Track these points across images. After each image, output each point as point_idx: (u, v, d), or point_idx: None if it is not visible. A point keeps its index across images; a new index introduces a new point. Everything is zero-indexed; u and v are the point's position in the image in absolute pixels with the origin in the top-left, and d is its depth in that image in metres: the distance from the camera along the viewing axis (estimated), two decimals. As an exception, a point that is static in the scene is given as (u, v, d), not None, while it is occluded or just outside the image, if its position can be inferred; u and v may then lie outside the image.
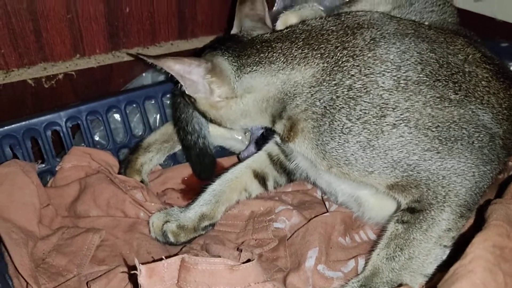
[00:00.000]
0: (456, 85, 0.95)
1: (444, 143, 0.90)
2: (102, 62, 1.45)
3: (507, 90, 1.01)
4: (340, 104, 0.94)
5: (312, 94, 0.98)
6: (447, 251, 0.93)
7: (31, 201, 1.12)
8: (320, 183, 1.18)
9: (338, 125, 0.94)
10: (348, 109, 0.93)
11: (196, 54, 1.23)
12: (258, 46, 1.04)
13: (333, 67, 0.97)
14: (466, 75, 0.97)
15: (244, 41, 1.07)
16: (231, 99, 1.06)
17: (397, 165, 0.92)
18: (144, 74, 1.50)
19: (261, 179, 1.25)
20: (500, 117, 0.97)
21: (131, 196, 1.21)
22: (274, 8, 1.51)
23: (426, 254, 0.92)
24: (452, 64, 0.97)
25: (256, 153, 1.27)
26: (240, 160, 1.33)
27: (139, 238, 1.14)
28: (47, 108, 1.32)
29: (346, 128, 0.93)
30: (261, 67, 1.02)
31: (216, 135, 1.39)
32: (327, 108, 0.95)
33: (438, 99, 0.92)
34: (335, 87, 0.96)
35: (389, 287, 0.91)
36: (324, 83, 0.97)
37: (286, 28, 1.08)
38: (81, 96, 1.44)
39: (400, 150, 0.91)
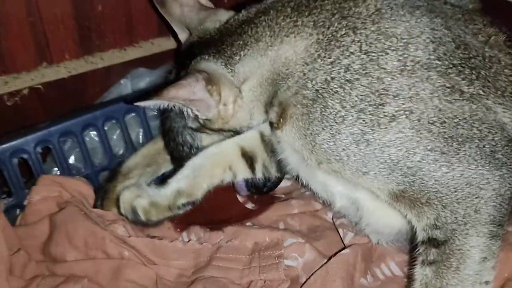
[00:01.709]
0: (473, 72, 0.81)
1: (450, 143, 0.77)
2: (74, 70, 1.26)
3: None
4: (334, 88, 0.82)
5: (304, 74, 0.86)
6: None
7: (-4, 252, 0.95)
8: (314, 186, 1.04)
9: (330, 112, 0.82)
10: (343, 94, 0.81)
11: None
12: (239, 30, 0.93)
13: (330, 40, 0.85)
14: (486, 60, 0.84)
15: (214, 35, 0.96)
16: (237, 100, 0.95)
17: (395, 166, 0.79)
18: (122, 82, 1.32)
19: (248, 159, 1.10)
20: None
21: (112, 232, 1.05)
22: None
23: None
24: (470, 46, 0.83)
25: (246, 189, 1.17)
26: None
27: (128, 287, 0.98)
28: (11, 130, 1.14)
29: (339, 117, 0.81)
30: (248, 49, 0.92)
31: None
32: (320, 91, 0.83)
33: (449, 89, 0.79)
34: (330, 67, 0.83)
35: None
36: (319, 60, 0.84)
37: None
38: (51, 113, 1.24)
39: (399, 148, 0.79)
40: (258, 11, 0.93)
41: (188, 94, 0.91)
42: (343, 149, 0.82)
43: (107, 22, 1.29)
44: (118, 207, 1.14)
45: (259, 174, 1.12)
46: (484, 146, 0.79)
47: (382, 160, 0.80)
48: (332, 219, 1.15)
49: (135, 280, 1.00)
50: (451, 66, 0.80)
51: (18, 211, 1.15)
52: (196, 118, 1.00)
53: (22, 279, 1.01)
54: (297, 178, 1.07)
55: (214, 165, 1.07)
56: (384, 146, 0.79)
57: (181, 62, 1.01)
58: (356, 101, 0.80)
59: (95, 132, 1.21)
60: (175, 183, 1.04)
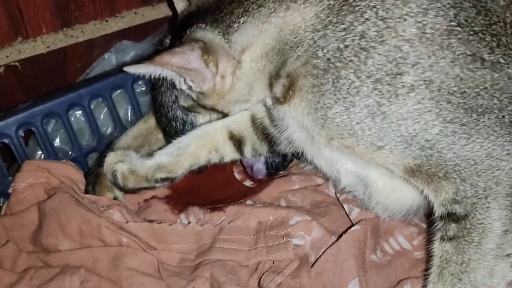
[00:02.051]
0: (494, 39, 0.77)
1: (470, 114, 0.75)
2: (53, 45, 1.16)
3: None
4: (348, 56, 0.77)
5: (314, 41, 0.80)
6: None
7: (-18, 246, 0.89)
8: (319, 163, 1.01)
9: (343, 83, 0.78)
10: (357, 63, 0.77)
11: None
12: None
13: (342, 5, 0.79)
14: (508, 26, 0.80)
15: (212, 5, 0.90)
16: (235, 72, 0.89)
17: (413, 140, 0.76)
18: (106, 56, 1.23)
19: (236, 142, 1.08)
20: None
21: (107, 218, 1.00)
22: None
23: (490, 275, 0.77)
24: (492, 11, 0.79)
25: (266, 172, 1.13)
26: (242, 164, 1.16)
27: (128, 276, 0.94)
28: (-14, 112, 1.05)
29: (354, 88, 0.77)
30: (247, 16, 0.85)
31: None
32: (331, 60, 0.78)
33: (470, 57, 0.75)
34: (343, 33, 0.78)
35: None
36: (330, 26, 0.79)
37: None
38: (29, 92, 1.16)
39: (417, 120, 0.75)
40: None
41: (182, 62, 0.85)
42: (357, 123, 0.78)
43: (86, -10, 1.19)
44: (111, 191, 1.09)
45: (248, 156, 1.11)
46: (503, 117, 0.76)
47: (399, 134, 0.76)
48: (336, 195, 1.11)
49: (136, 267, 0.95)
50: (472, 33, 0.76)
51: (2, 200, 1.08)
52: (189, 91, 0.94)
53: (13, 272, 0.95)
54: (300, 154, 1.03)
55: (199, 147, 1.06)
56: (402, 119, 0.75)
57: (176, 32, 0.94)
58: (372, 70, 0.76)
59: (80, 112, 1.13)
60: (157, 157, 1.05)
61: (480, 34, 0.76)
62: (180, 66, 0.85)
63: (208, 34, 0.87)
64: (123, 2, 1.27)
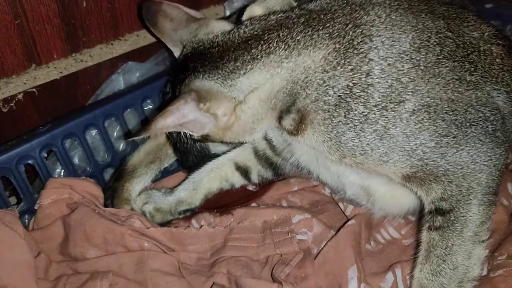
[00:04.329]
0: (472, 65, 0.91)
1: (460, 127, 0.87)
2: (65, 70, 1.25)
3: None
4: (357, 92, 0.88)
5: (324, 81, 0.89)
6: (486, 247, 0.93)
7: (24, 258, 0.98)
8: (325, 178, 1.12)
9: (354, 114, 0.88)
10: (366, 97, 0.87)
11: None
12: (243, 46, 0.93)
13: (348, 48, 0.89)
14: (481, 54, 0.94)
15: (211, 51, 0.96)
16: (237, 108, 0.96)
17: (413, 153, 0.88)
18: (113, 77, 1.32)
19: (243, 172, 1.21)
20: None
21: (129, 226, 1.09)
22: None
23: (468, 256, 0.91)
24: (468, 43, 0.93)
25: None
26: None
27: (153, 277, 1.03)
28: (7, 137, 1.14)
29: (363, 116, 0.87)
30: (257, 62, 0.92)
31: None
32: (342, 97, 0.88)
33: (458, 82, 0.88)
34: (351, 73, 0.88)
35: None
36: (339, 67, 0.88)
37: (270, 17, 0.96)
38: (45, 115, 1.24)
39: (417, 137, 0.87)
40: (266, 29, 0.93)
41: (177, 120, 0.92)
42: (367, 144, 0.88)
43: (92, 18, 1.27)
44: (128, 204, 1.19)
45: (255, 181, 1.24)
46: (487, 127, 0.89)
47: (402, 149, 0.87)
48: (331, 195, 1.23)
49: (159, 268, 1.04)
50: (455, 62, 0.89)
51: (27, 216, 1.16)
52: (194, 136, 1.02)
53: (47, 280, 1.03)
54: (306, 172, 1.15)
55: (211, 179, 1.20)
56: (405, 137, 0.87)
57: (176, 76, 1.01)
58: (378, 101, 0.86)
59: (95, 131, 1.21)
60: (177, 193, 1.19)
61: (460, 63, 0.89)
62: (176, 124, 0.93)
63: (205, 82, 0.94)
64: (125, 26, 1.36)
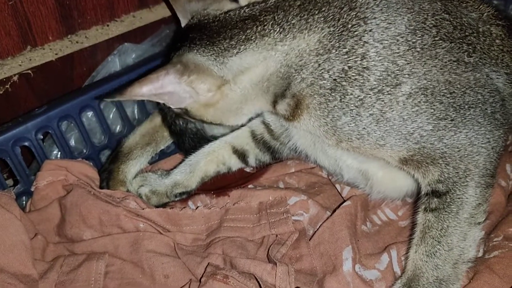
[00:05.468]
0: (470, 47, 0.89)
1: (458, 110, 0.86)
2: (60, 52, 1.24)
3: None
4: (352, 76, 0.86)
5: (319, 64, 0.88)
6: (482, 229, 0.92)
7: (20, 239, 0.98)
8: (323, 162, 1.11)
9: (350, 98, 0.87)
10: (361, 80, 0.86)
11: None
12: (241, 25, 0.93)
13: (342, 31, 0.87)
14: (480, 35, 0.92)
15: (211, 26, 0.95)
16: (224, 86, 0.96)
17: (410, 136, 0.87)
18: (109, 59, 1.31)
19: (240, 155, 1.20)
20: None
21: (125, 207, 1.09)
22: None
23: (464, 238, 0.90)
24: (466, 24, 0.91)
25: None
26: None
27: (148, 257, 1.03)
28: (2, 119, 1.14)
29: (359, 100, 0.86)
30: (251, 43, 0.91)
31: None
32: (338, 80, 0.87)
33: (455, 63, 0.86)
34: (346, 56, 0.86)
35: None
36: (334, 50, 0.87)
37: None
38: (41, 97, 1.24)
39: (414, 120, 0.86)
40: (262, 11, 0.92)
41: (154, 89, 0.92)
42: (364, 128, 0.87)
43: (87, -1, 1.27)
44: (123, 186, 1.19)
45: (252, 164, 1.23)
46: (486, 109, 0.87)
47: (399, 133, 0.86)
48: (328, 177, 1.22)
49: (154, 249, 1.05)
50: (452, 44, 0.87)
51: (24, 198, 1.16)
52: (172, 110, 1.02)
53: (44, 261, 1.04)
54: (304, 156, 1.14)
55: (207, 163, 1.19)
56: (402, 121, 0.86)
57: (175, 43, 1.00)
58: (374, 84, 0.85)
59: (91, 113, 1.21)
60: (173, 175, 1.18)
61: (458, 44, 0.87)
62: (151, 94, 0.92)
63: (197, 57, 0.93)
64: (121, 6, 1.35)
